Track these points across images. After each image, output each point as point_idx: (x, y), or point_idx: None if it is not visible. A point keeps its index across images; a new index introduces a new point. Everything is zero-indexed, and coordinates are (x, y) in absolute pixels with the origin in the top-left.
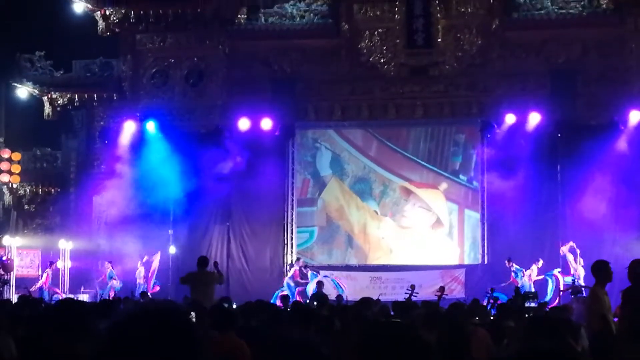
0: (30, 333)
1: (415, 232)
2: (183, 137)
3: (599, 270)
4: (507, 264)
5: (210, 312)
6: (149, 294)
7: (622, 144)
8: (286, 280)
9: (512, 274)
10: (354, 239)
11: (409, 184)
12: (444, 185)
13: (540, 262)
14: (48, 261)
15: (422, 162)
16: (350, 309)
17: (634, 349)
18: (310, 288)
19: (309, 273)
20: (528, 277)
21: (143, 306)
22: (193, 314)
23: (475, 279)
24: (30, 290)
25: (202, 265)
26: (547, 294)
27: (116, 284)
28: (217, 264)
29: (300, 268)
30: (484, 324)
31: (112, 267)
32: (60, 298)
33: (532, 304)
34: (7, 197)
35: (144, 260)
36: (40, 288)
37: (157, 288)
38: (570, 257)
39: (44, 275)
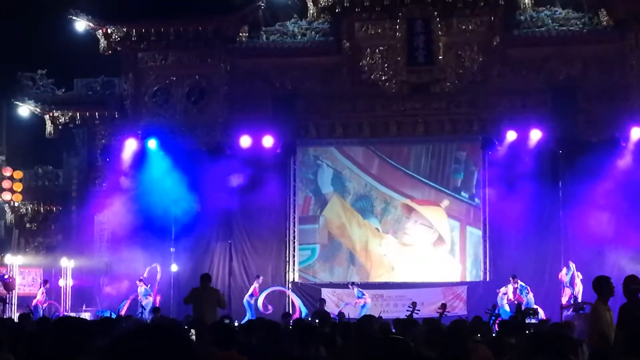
0: (30, 349)
1: (417, 249)
2: (184, 154)
3: (601, 286)
4: (511, 281)
5: (211, 329)
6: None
7: (623, 160)
8: (245, 298)
9: (517, 290)
10: (356, 256)
11: (411, 201)
12: (445, 203)
13: (519, 283)
14: (43, 279)
15: (424, 180)
16: (352, 326)
17: None
18: (358, 305)
19: (355, 290)
20: (507, 296)
21: (143, 322)
22: (193, 331)
23: (477, 296)
24: (32, 308)
25: (205, 282)
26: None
27: (151, 300)
28: (223, 295)
29: (260, 285)
30: (485, 341)
31: (145, 284)
32: (60, 315)
33: (533, 320)
34: (9, 216)
35: (144, 275)
36: (35, 306)
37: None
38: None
39: (39, 293)
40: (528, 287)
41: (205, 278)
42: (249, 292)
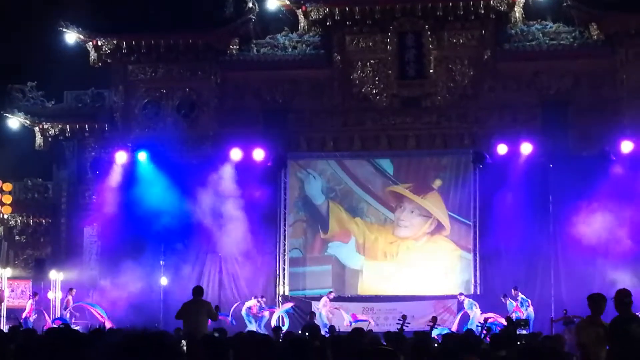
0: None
1: (409, 262)
2: (175, 167)
3: (591, 303)
4: (512, 293)
5: (202, 343)
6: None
7: (613, 174)
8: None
9: (518, 303)
10: (347, 269)
11: (403, 188)
12: (437, 183)
13: (519, 295)
14: (33, 292)
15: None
16: (342, 340)
17: None
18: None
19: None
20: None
21: (133, 333)
22: (184, 342)
23: None
24: (21, 320)
25: (196, 295)
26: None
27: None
28: (218, 308)
29: (71, 299)
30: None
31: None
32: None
33: (523, 331)
34: None
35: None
36: (25, 319)
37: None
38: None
39: (28, 306)
40: (529, 300)
41: (196, 291)
42: (64, 305)
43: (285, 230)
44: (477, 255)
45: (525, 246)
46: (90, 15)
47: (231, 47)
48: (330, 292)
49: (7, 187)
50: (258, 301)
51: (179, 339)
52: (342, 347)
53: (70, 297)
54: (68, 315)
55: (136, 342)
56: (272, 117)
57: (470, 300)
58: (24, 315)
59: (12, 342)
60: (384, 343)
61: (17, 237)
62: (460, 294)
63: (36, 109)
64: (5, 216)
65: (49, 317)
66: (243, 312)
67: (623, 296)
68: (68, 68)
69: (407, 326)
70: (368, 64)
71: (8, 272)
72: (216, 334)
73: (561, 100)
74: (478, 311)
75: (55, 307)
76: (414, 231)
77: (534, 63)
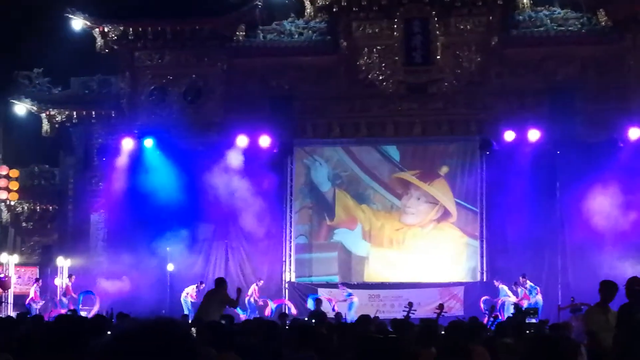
0: (26, 348)
1: (415, 249)
2: (181, 154)
3: (601, 289)
4: (521, 280)
5: (208, 329)
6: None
7: (620, 160)
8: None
9: (526, 290)
10: (353, 255)
11: (409, 175)
12: (444, 169)
13: (528, 283)
14: (35, 277)
15: (421, 181)
16: (349, 327)
17: None
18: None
19: (345, 292)
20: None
21: (143, 321)
22: (194, 329)
23: (474, 296)
24: (26, 305)
25: (217, 286)
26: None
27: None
28: (239, 291)
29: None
30: (480, 341)
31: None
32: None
33: (533, 320)
34: (5, 214)
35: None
36: (29, 304)
37: None
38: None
39: (31, 292)
40: (538, 288)
41: (215, 282)
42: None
43: (291, 217)
44: (484, 242)
45: (532, 233)
46: (97, 1)
47: (237, 33)
48: (260, 280)
49: (14, 173)
50: (197, 287)
51: (187, 326)
52: (348, 334)
53: (69, 284)
54: (67, 302)
55: (147, 331)
56: (278, 103)
57: (505, 287)
58: (27, 300)
59: (17, 329)
60: (391, 330)
61: (24, 224)
62: (496, 279)
63: (43, 96)
64: (12, 203)
65: (58, 305)
66: (182, 298)
67: (635, 284)
68: (75, 54)
69: (413, 313)
70: (374, 50)
71: (15, 258)
72: (223, 321)
73: (569, 87)
74: (513, 298)
75: (62, 294)
76: (421, 218)
77: (541, 49)
